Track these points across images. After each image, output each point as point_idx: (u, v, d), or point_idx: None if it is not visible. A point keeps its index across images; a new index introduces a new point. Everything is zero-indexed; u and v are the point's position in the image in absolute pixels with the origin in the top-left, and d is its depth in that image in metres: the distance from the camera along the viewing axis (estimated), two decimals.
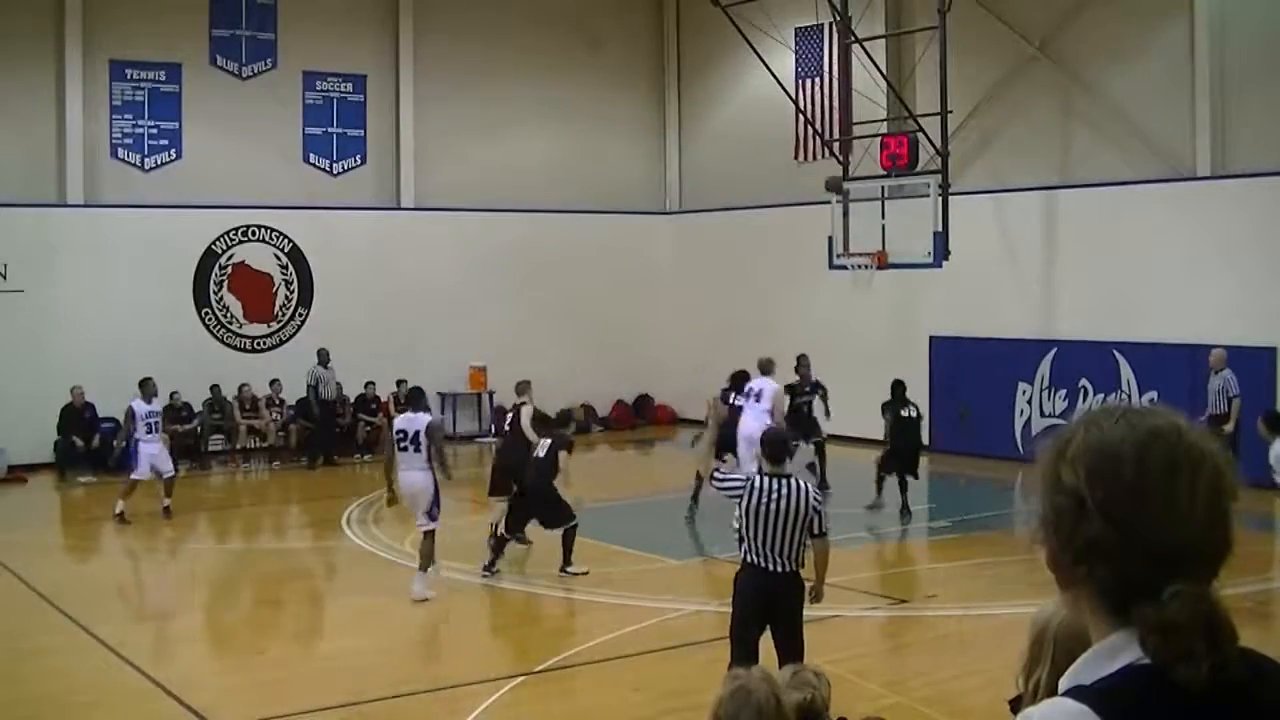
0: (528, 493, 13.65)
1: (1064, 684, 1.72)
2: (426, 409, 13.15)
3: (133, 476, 16.94)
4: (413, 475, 12.59)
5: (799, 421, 17.24)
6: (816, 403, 17.95)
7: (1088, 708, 1.63)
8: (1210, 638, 1.62)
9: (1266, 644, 1.82)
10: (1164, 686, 1.63)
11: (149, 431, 17.11)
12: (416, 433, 12.50)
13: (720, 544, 15.47)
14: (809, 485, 8.49)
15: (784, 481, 8.29)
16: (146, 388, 17.41)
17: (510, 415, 15.55)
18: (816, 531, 8.37)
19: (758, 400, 15.96)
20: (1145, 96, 19.46)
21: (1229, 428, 15.47)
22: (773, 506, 8.20)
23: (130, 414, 17.16)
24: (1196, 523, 1.66)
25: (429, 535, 12.51)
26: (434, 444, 12.51)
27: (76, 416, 20.89)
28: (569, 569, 13.41)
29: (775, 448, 8.65)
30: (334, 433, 22.40)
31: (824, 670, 5.05)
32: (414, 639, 11.55)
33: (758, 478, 8.38)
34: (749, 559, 8.41)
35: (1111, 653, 1.68)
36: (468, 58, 25.01)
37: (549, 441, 13.80)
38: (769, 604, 8.41)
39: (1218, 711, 1.64)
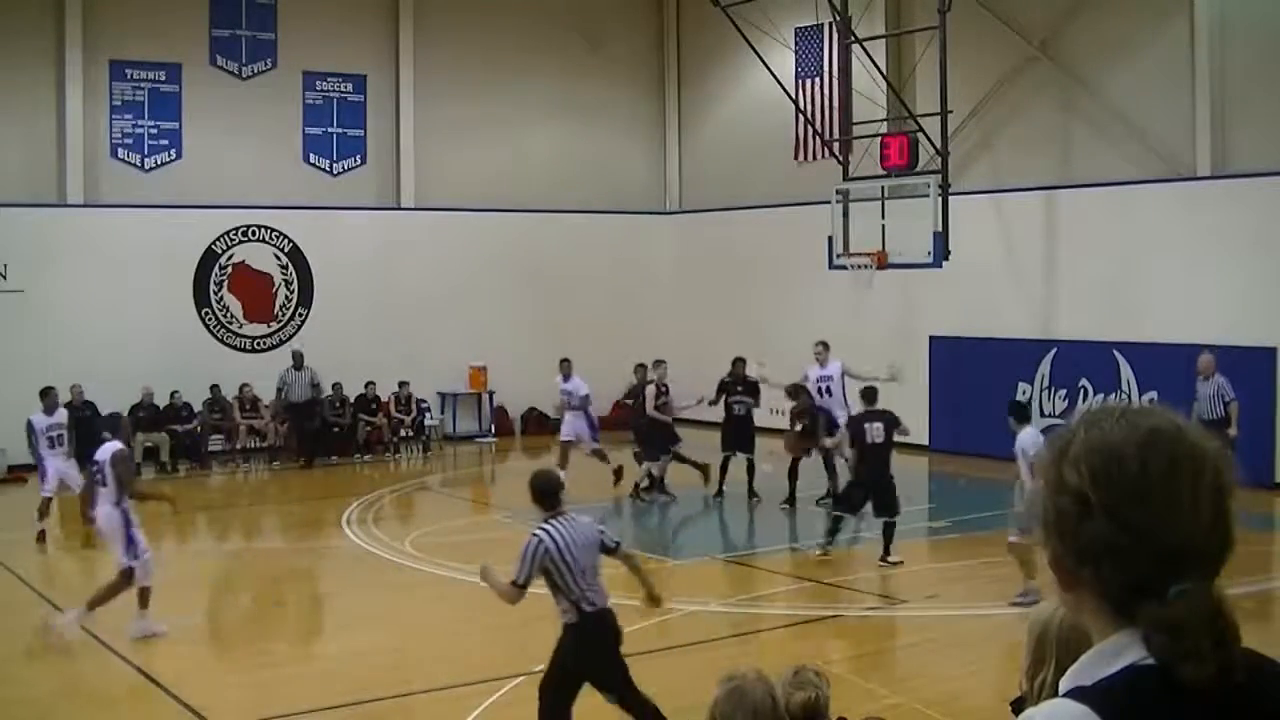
0: (872, 478, 13.85)
1: (1065, 684, 1.72)
2: (123, 438, 11.64)
3: (43, 494, 15.95)
4: (102, 510, 11.24)
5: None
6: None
7: (1089, 709, 1.63)
8: (1216, 637, 1.63)
9: (1266, 644, 1.82)
10: (1166, 687, 1.63)
11: (50, 446, 16.01)
12: (102, 465, 11.15)
13: (720, 544, 15.51)
14: (576, 513, 7.98)
15: (565, 519, 7.78)
16: (47, 398, 16.31)
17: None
18: (611, 546, 7.97)
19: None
20: (1145, 96, 19.47)
21: (1233, 431, 15.42)
22: (577, 545, 7.72)
23: (29, 427, 16.04)
24: (1199, 521, 1.66)
25: (124, 573, 11.12)
26: (118, 478, 11.07)
27: (74, 415, 20.83)
28: (888, 559, 13.67)
29: (544, 493, 7.94)
30: (314, 435, 22.14)
31: (824, 670, 5.06)
32: (414, 639, 11.55)
33: (546, 528, 7.69)
34: (587, 608, 7.79)
35: (1113, 653, 1.68)
36: (468, 57, 25.01)
37: (880, 425, 13.91)
38: (617, 643, 7.94)
39: (1220, 712, 1.64)
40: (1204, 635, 1.62)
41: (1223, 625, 1.63)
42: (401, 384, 23.56)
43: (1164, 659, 1.64)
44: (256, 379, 22.67)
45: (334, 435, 22.47)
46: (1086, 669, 1.70)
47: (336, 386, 22.89)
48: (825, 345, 17.49)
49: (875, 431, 13.84)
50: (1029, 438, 11.77)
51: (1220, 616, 1.64)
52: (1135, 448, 1.68)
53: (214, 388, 22.25)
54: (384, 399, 23.52)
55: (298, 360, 22.13)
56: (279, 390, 22.16)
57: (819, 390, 17.09)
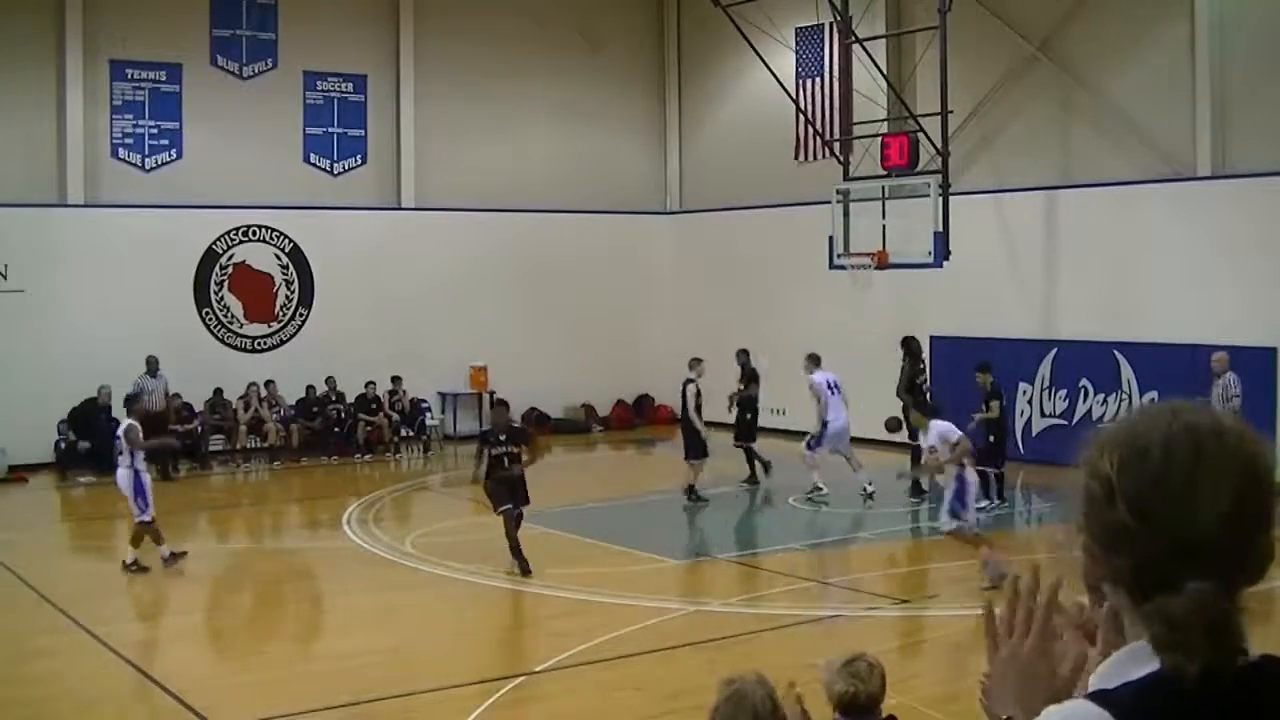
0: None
1: (1090, 685, 1.71)
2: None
3: (145, 517, 13.87)
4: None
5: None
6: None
7: (1109, 713, 1.62)
8: (1212, 637, 1.62)
9: (1266, 644, 1.81)
10: (1188, 696, 1.62)
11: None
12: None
13: (720, 544, 15.51)
14: None
15: None
16: (138, 404, 15.06)
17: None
18: None
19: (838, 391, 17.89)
20: (1145, 96, 19.46)
21: None
22: None
23: (135, 435, 14.00)
24: (1218, 520, 1.64)
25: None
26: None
27: (95, 415, 20.71)
28: None
29: None
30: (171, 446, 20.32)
31: (879, 662, 5.02)
32: (414, 639, 11.54)
33: None
34: None
35: (1140, 657, 1.67)
36: (468, 57, 25.00)
37: None
38: None
39: None
40: (1199, 632, 1.61)
41: (1223, 631, 1.62)
42: (395, 379, 23.50)
43: (1157, 648, 1.63)
44: (257, 379, 22.65)
45: (334, 434, 22.07)
46: (1112, 672, 1.69)
47: (330, 381, 22.87)
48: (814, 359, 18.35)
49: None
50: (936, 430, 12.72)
51: (1224, 622, 1.62)
52: (1163, 439, 1.68)
53: (218, 391, 22.23)
54: (382, 398, 23.52)
55: (151, 366, 20.86)
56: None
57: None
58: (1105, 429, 1.76)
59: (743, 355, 19.35)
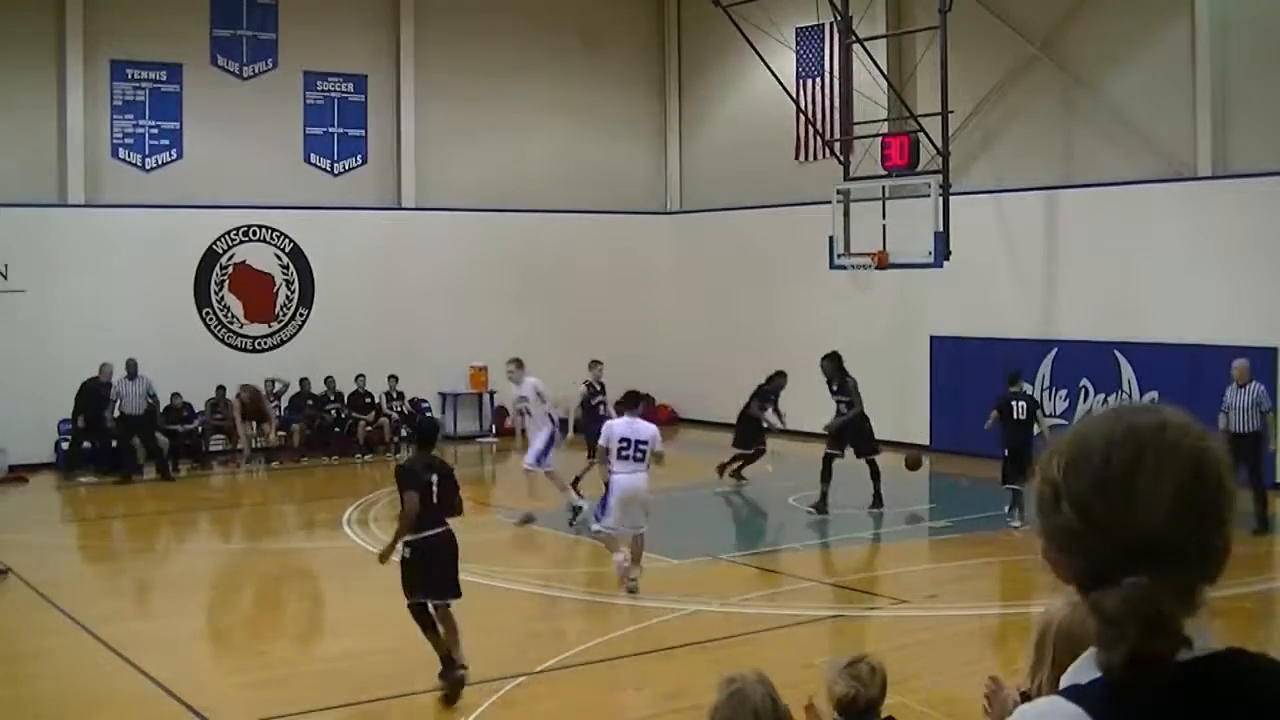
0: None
1: (1063, 683, 1.73)
2: None
3: None
4: None
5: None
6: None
7: (1081, 709, 1.63)
8: (1144, 634, 1.62)
9: (1266, 644, 1.82)
10: (1160, 689, 1.63)
11: None
12: None
13: (720, 544, 15.49)
14: None
15: None
16: None
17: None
18: None
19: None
20: (1145, 96, 19.47)
21: (1273, 446, 14.94)
22: None
23: None
24: (1159, 519, 1.65)
25: None
26: None
27: (95, 393, 20.49)
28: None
29: None
30: (138, 448, 20.69)
31: (882, 665, 5.02)
32: (414, 639, 11.52)
33: None
34: None
35: None
36: (468, 57, 25.02)
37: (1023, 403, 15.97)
38: None
39: (1215, 713, 1.64)
40: (1131, 627, 1.62)
41: (1156, 623, 1.62)
42: (391, 378, 23.47)
43: (1095, 643, 1.66)
44: (257, 379, 22.63)
45: (335, 434, 22.11)
46: (1084, 668, 1.71)
47: (330, 381, 22.86)
48: (519, 364, 16.87)
49: (1019, 409, 15.75)
50: None
51: (1160, 614, 1.63)
52: (1104, 440, 1.71)
53: (220, 389, 22.21)
54: (378, 397, 23.50)
55: (131, 369, 20.66)
56: (112, 401, 20.65)
57: (519, 411, 17.06)
58: (1059, 435, 1.80)
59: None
